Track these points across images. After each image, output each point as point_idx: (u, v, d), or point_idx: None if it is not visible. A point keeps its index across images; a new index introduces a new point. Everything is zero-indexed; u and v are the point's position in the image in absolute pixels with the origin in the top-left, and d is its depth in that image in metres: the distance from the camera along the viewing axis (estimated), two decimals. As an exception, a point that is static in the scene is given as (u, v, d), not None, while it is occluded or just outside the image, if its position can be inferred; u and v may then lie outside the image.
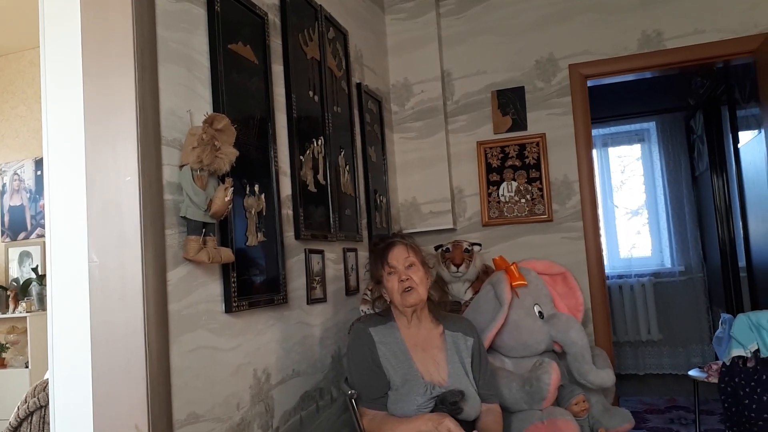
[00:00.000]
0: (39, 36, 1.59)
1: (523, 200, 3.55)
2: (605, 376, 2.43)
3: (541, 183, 3.53)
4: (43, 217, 4.21)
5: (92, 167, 1.49)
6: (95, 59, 1.52)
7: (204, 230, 1.61)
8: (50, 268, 1.53)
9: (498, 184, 3.61)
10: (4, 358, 3.94)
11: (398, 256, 1.99)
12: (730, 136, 4.56)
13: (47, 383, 2.12)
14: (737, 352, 2.89)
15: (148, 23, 1.54)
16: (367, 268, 2.77)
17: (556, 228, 3.51)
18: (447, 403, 1.84)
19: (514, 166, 3.58)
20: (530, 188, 3.55)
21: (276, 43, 2.26)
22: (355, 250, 2.83)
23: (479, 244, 3.09)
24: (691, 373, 3.39)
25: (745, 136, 4.19)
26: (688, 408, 4.32)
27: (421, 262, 2.02)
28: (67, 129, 1.53)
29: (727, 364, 2.90)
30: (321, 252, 2.46)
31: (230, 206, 1.67)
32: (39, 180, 4.24)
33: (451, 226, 3.57)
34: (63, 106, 1.54)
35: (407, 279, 1.95)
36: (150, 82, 1.52)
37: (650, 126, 5.76)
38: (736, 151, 4.42)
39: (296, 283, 2.24)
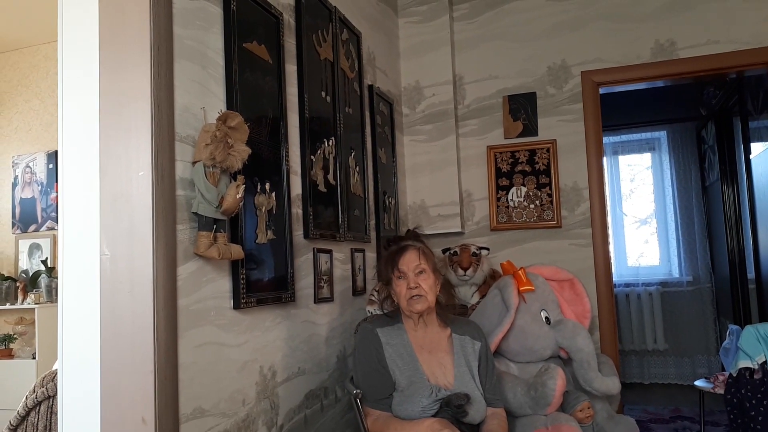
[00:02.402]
0: (55, 30, 1.61)
1: (532, 206, 3.55)
2: (610, 384, 2.43)
3: (550, 189, 3.52)
4: (53, 210, 4.25)
5: (106, 160, 1.51)
6: (112, 54, 1.53)
7: (215, 226, 1.62)
8: (62, 259, 1.55)
9: (507, 188, 3.60)
10: (11, 349, 3.97)
11: (409, 262, 1.97)
12: (742, 147, 4.54)
13: (56, 374, 2.14)
14: (744, 363, 2.88)
15: (165, 20, 1.56)
16: (375, 268, 2.77)
17: (564, 234, 3.50)
18: (452, 406, 1.84)
19: (523, 171, 3.58)
20: (539, 194, 3.54)
21: (290, 43, 2.28)
22: (362, 250, 2.83)
23: (487, 248, 3.09)
24: (698, 383, 3.37)
25: (757, 148, 4.17)
26: (693, 419, 4.30)
27: (432, 269, 2.00)
28: (82, 122, 1.55)
29: (734, 375, 2.88)
30: (329, 252, 2.47)
31: (241, 203, 1.68)
32: (50, 173, 4.28)
33: (459, 230, 3.57)
34: (79, 99, 1.56)
35: (416, 287, 1.94)
36: (165, 78, 1.54)
37: (661, 135, 5.74)
38: (748, 162, 4.40)
39: (304, 281, 2.25)
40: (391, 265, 1.99)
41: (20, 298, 4.08)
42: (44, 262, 4.14)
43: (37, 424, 2.15)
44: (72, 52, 1.58)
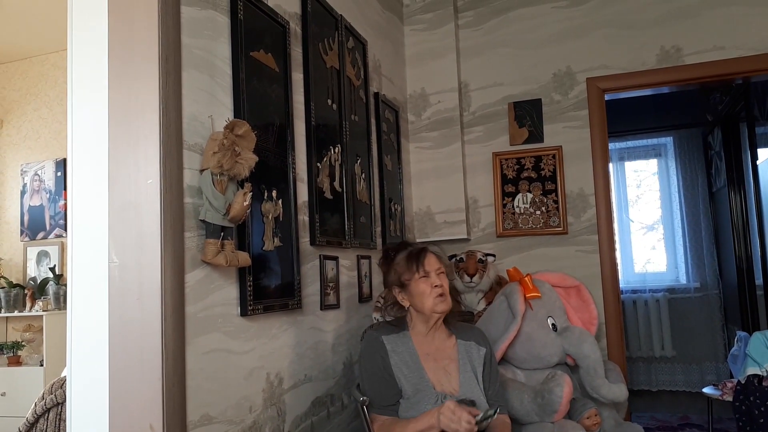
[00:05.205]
0: (64, 39, 1.63)
1: (537, 212, 3.55)
2: (618, 391, 2.42)
3: (556, 195, 3.52)
4: (61, 218, 4.27)
5: (115, 169, 1.52)
6: (121, 64, 1.55)
7: (222, 234, 1.63)
8: (71, 267, 1.56)
9: (513, 195, 3.60)
10: (19, 356, 3.99)
11: (433, 263, 2.02)
12: (749, 152, 4.52)
13: (64, 381, 2.15)
14: (752, 370, 2.86)
15: (173, 30, 1.57)
16: (380, 265, 2.77)
17: (570, 241, 3.50)
18: (458, 413, 1.84)
19: (529, 177, 3.58)
20: (545, 200, 3.54)
21: (297, 52, 2.29)
22: (368, 257, 2.84)
23: (493, 255, 3.09)
24: (706, 390, 3.35)
25: (764, 153, 4.16)
26: (702, 426, 4.28)
27: (448, 273, 2.06)
28: (91, 131, 1.56)
29: (742, 382, 2.87)
30: (335, 258, 2.47)
31: (248, 211, 1.69)
32: (59, 181, 4.31)
33: (465, 237, 3.57)
34: (88, 109, 1.57)
35: (440, 285, 1.98)
36: (173, 87, 1.55)
37: (667, 141, 5.74)
38: (755, 167, 4.39)
39: (310, 288, 2.26)
40: (416, 265, 2.00)
41: (28, 305, 4.10)
42: (52, 269, 4.16)
43: (46, 431, 2.16)
44: (81, 62, 1.60)
